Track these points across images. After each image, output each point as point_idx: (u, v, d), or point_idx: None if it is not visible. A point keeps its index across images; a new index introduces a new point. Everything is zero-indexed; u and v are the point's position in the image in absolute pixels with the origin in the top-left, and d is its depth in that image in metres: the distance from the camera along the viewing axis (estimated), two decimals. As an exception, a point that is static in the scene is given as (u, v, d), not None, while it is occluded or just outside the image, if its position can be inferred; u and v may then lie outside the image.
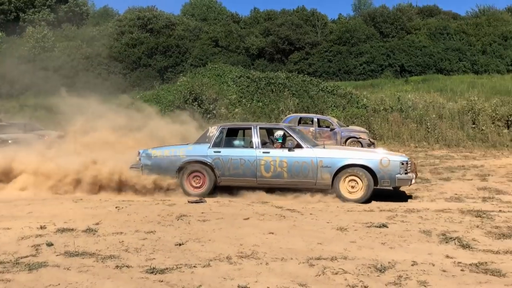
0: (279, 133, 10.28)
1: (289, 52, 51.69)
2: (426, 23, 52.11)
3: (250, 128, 10.40)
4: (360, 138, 20.06)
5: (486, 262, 5.54)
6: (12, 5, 52.40)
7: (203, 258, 5.66)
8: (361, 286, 4.77)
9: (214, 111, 26.26)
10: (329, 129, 20.44)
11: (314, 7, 58.95)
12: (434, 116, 24.40)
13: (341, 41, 50.86)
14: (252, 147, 10.04)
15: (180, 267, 5.30)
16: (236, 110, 25.76)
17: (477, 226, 7.32)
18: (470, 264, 5.46)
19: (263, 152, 9.86)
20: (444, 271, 5.26)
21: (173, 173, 10.21)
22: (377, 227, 7.20)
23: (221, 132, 10.32)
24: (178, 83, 32.67)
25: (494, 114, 23.12)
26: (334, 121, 21.21)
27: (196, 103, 26.23)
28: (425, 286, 4.78)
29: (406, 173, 9.39)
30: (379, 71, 48.62)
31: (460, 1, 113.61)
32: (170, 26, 55.15)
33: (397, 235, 6.76)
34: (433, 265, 5.44)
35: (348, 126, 22.11)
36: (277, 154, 9.81)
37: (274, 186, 9.97)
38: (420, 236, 6.73)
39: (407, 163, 9.44)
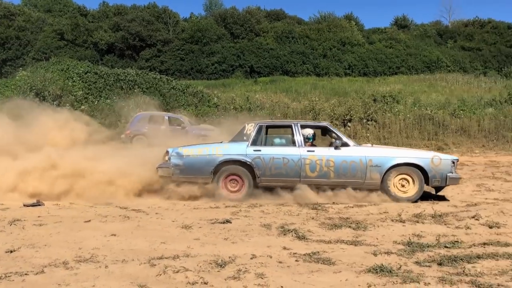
0: (309, 132, 9.94)
1: (140, 49, 50.70)
2: (273, 27, 54.52)
3: (290, 126, 9.92)
4: (210, 136, 20.29)
5: (318, 252, 5.94)
6: None
7: (36, 264, 5.31)
8: (201, 282, 4.84)
9: (59, 108, 24.74)
10: (180, 127, 20.40)
11: (166, 5, 58.54)
12: (279, 115, 25.61)
13: (193, 40, 51.15)
14: (294, 145, 9.57)
15: (9, 276, 4.92)
16: (83, 107, 24.57)
17: (313, 218, 7.84)
18: (304, 254, 5.82)
19: (308, 151, 9.43)
20: (280, 262, 5.54)
21: (207, 174, 9.44)
22: (221, 223, 7.36)
23: (259, 129, 9.76)
24: (17, 77, 30.24)
25: (332, 114, 24.91)
26: (185, 119, 21.23)
27: (38, 99, 24.50)
28: (262, 278, 4.99)
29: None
30: (230, 71, 49.80)
31: (304, 6, 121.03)
32: (9, 16, 50.89)
33: (239, 230, 6.98)
34: (271, 257, 5.70)
35: (199, 124, 22.26)
36: (323, 153, 9.41)
37: (318, 186, 9.45)
38: (261, 230, 7.02)
39: (457, 162, 9.60)
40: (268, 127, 10.25)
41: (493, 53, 52.89)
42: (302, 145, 9.53)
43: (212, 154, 9.53)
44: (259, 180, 9.47)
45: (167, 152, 9.72)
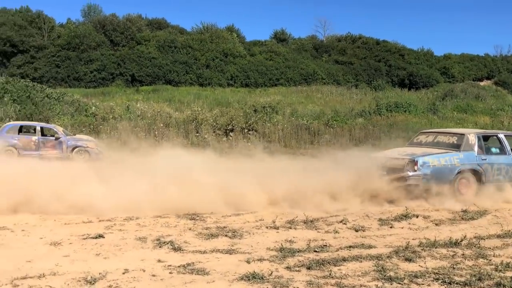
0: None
1: (11, 55, 47.54)
2: (155, 35, 53.88)
3: (495, 135, 11.68)
4: (87, 147, 19.52)
5: (193, 263, 5.96)
6: None
7: None
8: (68, 301, 4.63)
9: None
10: (54, 138, 19.35)
11: (40, 9, 55.37)
12: (161, 125, 25.33)
13: (70, 46, 48.97)
14: (505, 153, 11.22)
15: None
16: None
17: (190, 229, 7.83)
18: (179, 266, 5.80)
19: None
20: (154, 275, 5.47)
21: (447, 182, 10.42)
22: (94, 238, 7.09)
23: (479, 139, 11.07)
24: None
25: (215, 123, 25.16)
26: (60, 129, 20.17)
27: None
28: (133, 292, 4.90)
29: None
30: (110, 79, 48.35)
31: (186, 16, 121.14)
32: None
33: (112, 245, 6.77)
34: (144, 270, 5.61)
35: (75, 135, 21.29)
36: None
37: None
38: (136, 243, 6.87)
39: None
40: (483, 137, 11.50)
41: (363, 67, 56.63)
42: (510, 153, 11.29)
43: (452, 164, 10.61)
44: (483, 184, 10.82)
45: (414, 162, 10.34)
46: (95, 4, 67.11)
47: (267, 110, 28.88)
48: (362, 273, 5.66)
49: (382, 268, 5.80)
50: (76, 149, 19.26)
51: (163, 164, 10.82)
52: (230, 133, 24.52)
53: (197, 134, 24.62)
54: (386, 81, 53.72)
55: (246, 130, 24.70)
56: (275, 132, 24.92)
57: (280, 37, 65.99)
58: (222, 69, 51.35)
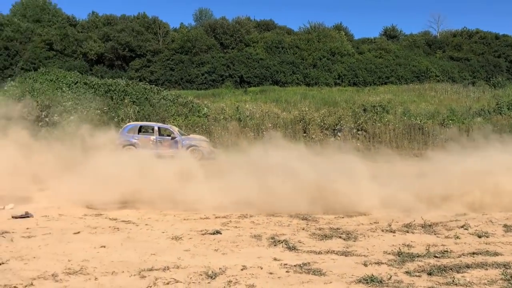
0: None
1: (130, 59, 50.62)
2: (263, 37, 54.68)
3: None
4: (201, 146, 20.27)
5: (309, 263, 5.95)
6: None
7: (25, 277, 5.27)
8: (192, 294, 4.83)
9: (47, 119, 24.61)
10: (170, 137, 20.34)
11: (156, 15, 58.40)
12: (270, 125, 25.63)
13: (183, 50, 51.16)
14: None
15: (-3, 289, 4.88)
16: (72, 117, 24.41)
17: (303, 229, 7.84)
18: (295, 265, 5.82)
19: None
20: (271, 273, 5.54)
21: None
22: (212, 234, 7.34)
23: None
24: (6, 88, 30.04)
25: (322, 124, 24.98)
26: (175, 129, 21.16)
27: (27, 110, 24.34)
28: (252, 289, 4.99)
29: None
30: (220, 81, 49.83)
31: (293, 17, 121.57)
32: (-2, 26, 50.69)
33: (230, 241, 6.96)
34: (261, 268, 5.70)
35: (189, 135, 22.20)
36: None
37: None
38: (251, 241, 7.01)
39: None
40: None
41: (481, 63, 53.39)
42: None
43: None
44: None
45: None
46: (206, 8, 69.69)
47: (377, 109, 28.14)
48: (488, 281, 5.33)
49: (511, 277, 5.42)
50: (190, 148, 20.06)
51: (272, 164, 10.91)
52: (338, 133, 24.23)
53: (305, 134, 24.60)
54: (506, 78, 50.14)
55: (355, 130, 24.26)
56: (386, 133, 24.21)
57: (390, 34, 64.14)
58: (329, 68, 50.94)
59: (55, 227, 7.82)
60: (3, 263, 5.75)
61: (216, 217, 8.72)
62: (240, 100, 37.02)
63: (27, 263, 5.81)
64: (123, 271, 5.52)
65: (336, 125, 24.53)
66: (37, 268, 5.59)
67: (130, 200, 9.92)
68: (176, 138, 20.29)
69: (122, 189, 10.02)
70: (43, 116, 24.56)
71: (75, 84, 29.42)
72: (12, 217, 8.67)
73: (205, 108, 29.40)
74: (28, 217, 8.67)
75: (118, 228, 7.77)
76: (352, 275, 5.50)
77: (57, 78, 30.18)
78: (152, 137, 20.25)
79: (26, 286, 5.01)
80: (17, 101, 24.89)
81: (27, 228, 7.69)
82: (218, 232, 7.41)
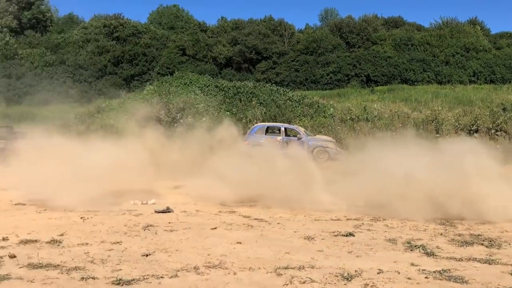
0: None
1: (256, 61, 51.90)
2: (391, 34, 53.08)
3: None
4: (327, 147, 20.21)
5: (449, 269, 5.66)
6: (-27, 11, 51.25)
7: (170, 268, 5.61)
8: (329, 294, 4.81)
9: (181, 120, 26.07)
10: (296, 138, 20.54)
11: (282, 17, 59.35)
12: (400, 125, 24.81)
13: (308, 51, 51.36)
14: None
15: (147, 278, 5.24)
16: (204, 119, 25.61)
17: (441, 234, 7.47)
18: (434, 272, 5.57)
19: None
20: (409, 278, 5.35)
21: None
22: (344, 235, 7.27)
23: None
24: (145, 91, 32.37)
25: (457, 124, 23.66)
26: (301, 130, 21.33)
27: (163, 112, 26.00)
28: (391, 293, 4.85)
29: None
30: (345, 80, 49.28)
31: (424, 12, 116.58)
32: (137, 34, 54.69)
33: (363, 244, 6.84)
34: (399, 272, 5.53)
35: (315, 135, 22.24)
36: None
37: None
38: (386, 245, 6.83)
39: None
40: None
41: None
42: None
43: None
44: None
45: None
46: (332, 7, 69.29)
47: (518, 108, 26.01)
48: None
49: None
50: (317, 149, 20.07)
51: (405, 166, 10.51)
52: (475, 134, 22.76)
53: (438, 135, 23.46)
54: None
55: (493, 131, 22.64)
56: (529, 133, 22.29)
57: (532, 27, 58.96)
58: (463, 65, 48.09)
59: (193, 222, 8.25)
60: (150, 255, 6.17)
61: (347, 219, 8.63)
62: (366, 99, 36.29)
63: (170, 255, 6.17)
64: (260, 268, 5.65)
65: (472, 125, 23.08)
66: (180, 261, 5.92)
67: (260, 199, 10.18)
68: (302, 139, 20.42)
69: (252, 188, 10.32)
70: (178, 117, 26.06)
71: (207, 87, 30.85)
72: (155, 211, 9.29)
73: (331, 109, 29.24)
74: (169, 212, 9.25)
75: (251, 225, 7.99)
76: (498, 285, 5.13)
77: (191, 82, 31.86)
78: (279, 138, 20.56)
79: (171, 277, 5.32)
80: (155, 103, 26.69)
81: (169, 223, 8.19)
82: (351, 234, 7.33)
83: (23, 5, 56.45)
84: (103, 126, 24.82)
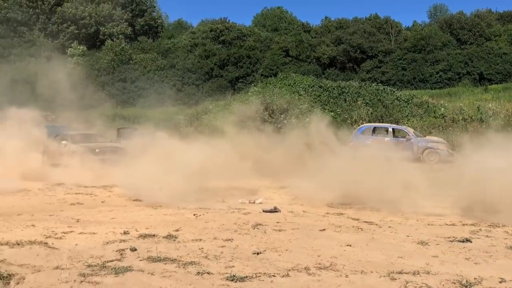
0: None
1: (361, 61, 51.05)
2: (507, 29, 49.82)
3: None
4: (438, 149, 19.39)
5: None
6: (93, 19, 55.04)
7: (281, 267, 5.66)
8: (448, 302, 4.61)
9: (285, 121, 26.31)
10: (405, 139, 19.90)
11: (388, 15, 57.86)
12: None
13: (416, 49, 49.63)
14: None
15: (259, 276, 5.33)
16: (307, 119, 25.64)
17: None
18: None
19: None
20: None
21: None
22: (460, 241, 6.93)
23: None
24: (250, 93, 33.06)
25: None
26: (410, 131, 20.64)
27: (267, 112, 26.40)
28: (517, 305, 4.55)
29: None
30: (456, 79, 46.99)
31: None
32: (242, 37, 55.98)
33: (482, 251, 6.47)
34: (525, 283, 5.16)
35: (425, 136, 21.42)
36: None
37: None
38: (507, 252, 6.42)
39: None
40: None
41: None
42: None
43: None
44: None
45: None
46: (441, 3, 66.27)
47: None
48: None
49: None
50: (427, 150, 19.33)
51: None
52: None
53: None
54: None
55: None
56: None
57: None
58: None
59: (301, 223, 8.27)
60: (260, 253, 6.28)
61: (463, 224, 8.21)
62: (480, 99, 34.32)
63: (280, 255, 6.23)
64: (372, 271, 5.54)
65: None
66: (290, 260, 5.96)
67: (368, 201, 9.98)
68: (411, 140, 19.76)
69: (358, 190, 10.15)
70: (281, 118, 26.31)
71: (311, 87, 30.86)
72: (263, 210, 9.45)
73: (442, 108, 28.02)
74: (276, 211, 9.36)
75: (361, 228, 7.86)
76: None
77: (294, 83, 32.05)
78: (386, 139, 20.06)
79: (283, 276, 5.37)
80: (259, 104, 27.16)
81: (277, 222, 8.27)
82: (467, 240, 6.96)
83: (137, 13, 59.93)
84: (210, 127, 25.68)
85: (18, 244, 6.56)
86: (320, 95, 29.49)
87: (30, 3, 51.51)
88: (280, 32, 59.30)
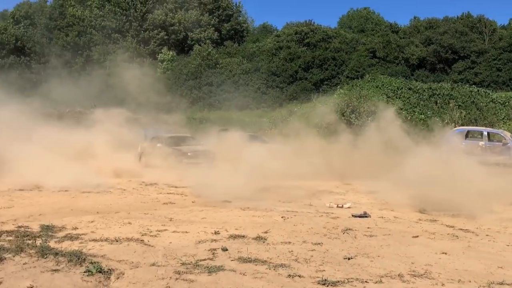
0: None
1: (452, 62, 48.89)
2: None
3: None
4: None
5: None
6: (182, 25, 56.83)
7: (373, 274, 5.55)
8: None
9: (372, 124, 25.78)
10: (501, 143, 18.82)
11: (481, 13, 54.98)
12: None
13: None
14: None
15: (351, 281, 5.25)
16: (396, 122, 24.94)
17: None
18: None
19: None
20: None
21: None
22: None
23: None
24: (335, 95, 32.70)
25: None
26: (507, 135, 19.48)
27: (354, 115, 26.01)
28: None
29: None
30: (558, 79, 43.85)
31: None
32: (327, 39, 55.46)
33: None
34: None
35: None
36: None
37: None
38: None
39: None
40: None
41: None
42: None
43: None
44: None
45: None
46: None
47: None
48: None
49: None
50: (526, 155, 18.19)
51: None
52: None
53: None
54: None
55: None
56: None
57: None
58: None
59: (393, 229, 8.06)
60: (351, 258, 6.18)
61: None
62: None
63: (372, 261, 6.10)
64: (470, 281, 5.30)
65: None
66: (383, 267, 5.82)
67: (462, 207, 9.55)
68: (508, 144, 18.66)
69: (450, 196, 9.74)
70: (368, 121, 25.80)
71: (399, 89, 30.03)
72: (352, 215, 9.30)
73: (542, 111, 26.29)
74: (366, 217, 9.18)
75: (457, 236, 7.53)
76: None
77: (382, 85, 31.33)
78: (481, 143, 19.11)
79: (376, 282, 5.25)
80: (345, 107, 26.82)
81: (368, 228, 8.11)
82: None
83: (223, 18, 61.21)
84: (294, 130, 25.69)
85: (117, 241, 6.88)
86: (410, 97, 28.59)
87: (124, 11, 54.13)
88: (367, 33, 58.14)
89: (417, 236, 7.47)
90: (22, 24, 54.39)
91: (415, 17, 59.24)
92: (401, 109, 27.00)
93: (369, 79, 33.97)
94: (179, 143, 19.42)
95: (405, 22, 69.07)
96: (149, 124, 25.11)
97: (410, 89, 29.95)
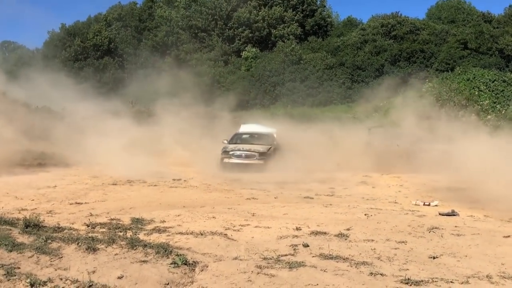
0: None
1: None
2: None
3: None
4: None
5: None
6: (265, 22, 57.16)
7: (460, 274, 5.36)
8: None
9: (464, 118, 24.68)
10: None
11: None
12: None
13: None
14: None
15: (436, 281, 5.11)
16: (489, 117, 23.74)
17: None
18: None
19: None
20: None
21: None
22: None
23: None
24: (424, 89, 31.58)
25: None
26: None
27: (444, 110, 25.01)
28: None
29: None
30: None
31: None
32: (415, 31, 53.62)
33: None
34: None
35: None
36: None
37: None
38: None
39: None
40: None
41: None
42: None
43: None
44: None
45: None
46: None
47: None
48: None
49: None
50: None
51: None
52: None
53: None
54: None
55: None
56: None
57: None
58: None
59: (482, 228, 7.72)
60: (437, 257, 6.00)
61: None
62: None
63: (459, 261, 5.89)
64: None
65: None
66: (470, 267, 5.61)
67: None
68: None
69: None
70: (460, 115, 24.75)
71: (493, 82, 28.49)
72: (439, 213, 9.00)
73: None
74: (454, 215, 8.85)
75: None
76: None
77: (474, 77, 29.88)
78: None
79: (462, 283, 5.08)
80: (435, 101, 25.87)
81: (455, 226, 7.82)
82: None
83: (307, 13, 60.90)
84: (382, 125, 25.13)
85: (202, 234, 7.11)
86: (504, 90, 27.02)
87: (209, 10, 55.38)
88: (457, 24, 55.58)
89: (508, 236, 7.11)
90: (114, 26, 57.32)
91: (510, 6, 55.67)
92: (494, 102, 25.63)
93: (459, 71, 32.46)
94: (240, 141, 19.20)
95: (499, 11, 65.20)
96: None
97: (504, 81, 28.31)
